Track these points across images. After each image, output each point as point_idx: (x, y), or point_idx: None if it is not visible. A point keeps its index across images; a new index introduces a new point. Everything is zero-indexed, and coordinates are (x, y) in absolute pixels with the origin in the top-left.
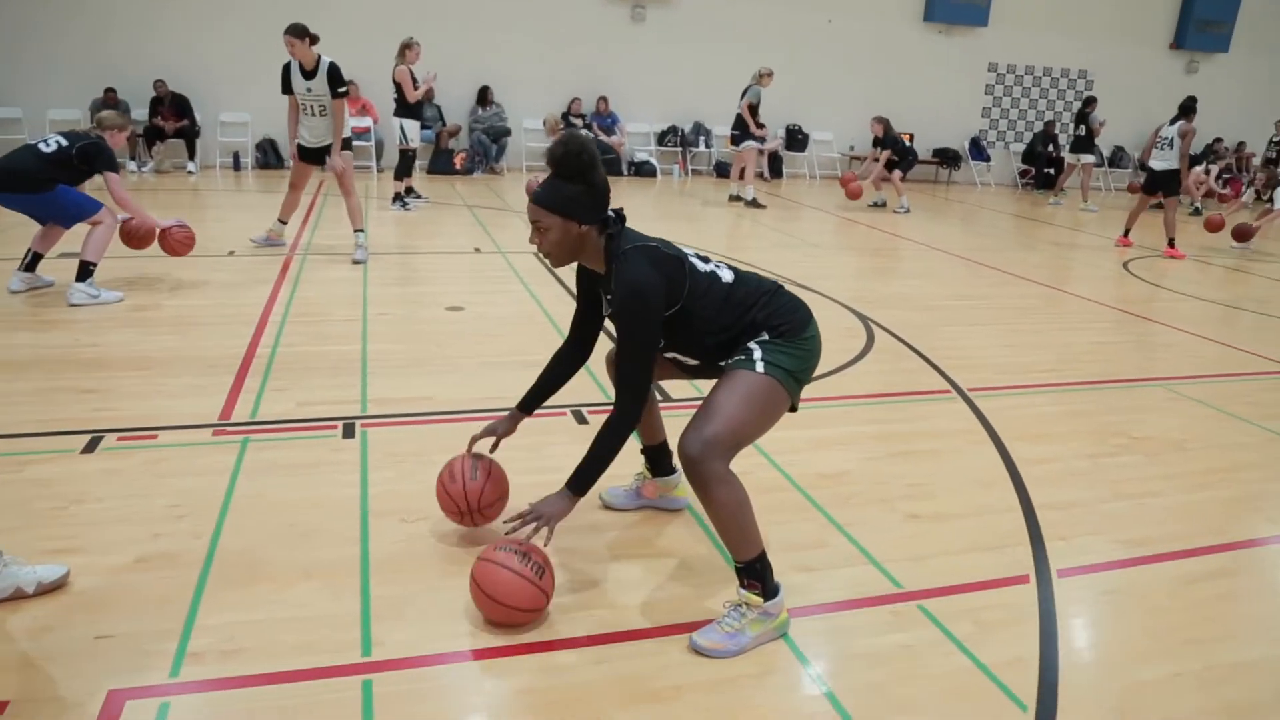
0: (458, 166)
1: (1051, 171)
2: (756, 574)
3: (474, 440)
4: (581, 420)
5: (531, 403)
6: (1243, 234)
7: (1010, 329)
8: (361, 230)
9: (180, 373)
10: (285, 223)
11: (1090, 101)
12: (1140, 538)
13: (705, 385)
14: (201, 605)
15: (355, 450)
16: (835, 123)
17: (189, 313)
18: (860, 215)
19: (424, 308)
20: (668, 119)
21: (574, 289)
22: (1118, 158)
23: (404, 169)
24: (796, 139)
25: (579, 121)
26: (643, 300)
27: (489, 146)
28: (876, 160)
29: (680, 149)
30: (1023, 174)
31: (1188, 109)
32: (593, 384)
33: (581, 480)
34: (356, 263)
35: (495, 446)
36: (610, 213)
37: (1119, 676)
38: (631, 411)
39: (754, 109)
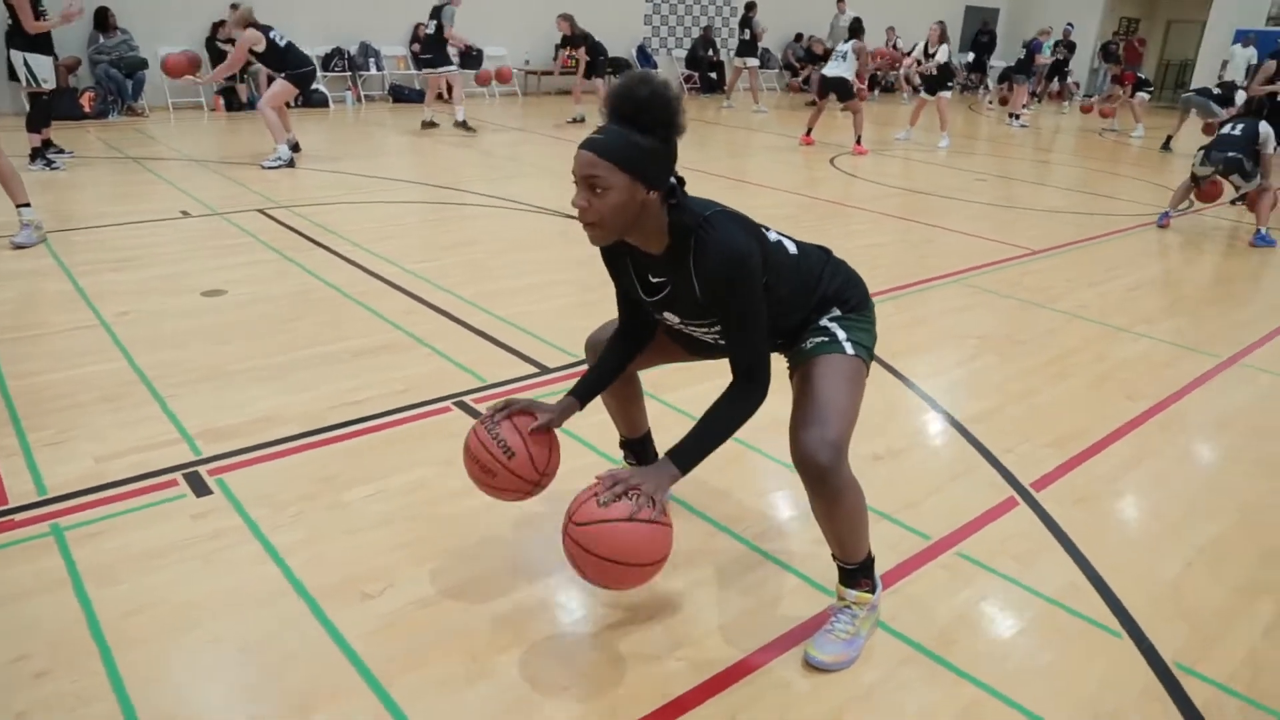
0: (87, 109)
1: (714, 76)
2: (869, 571)
3: (504, 407)
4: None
5: (590, 391)
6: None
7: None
8: (27, 204)
9: None
10: None
11: (751, 6)
12: (1059, 437)
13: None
14: None
15: (227, 511)
16: (506, 39)
17: None
18: (560, 132)
19: (172, 296)
20: (330, 40)
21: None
22: (766, 59)
23: (40, 117)
24: (471, 56)
25: (228, 47)
26: (749, 267)
27: (122, 82)
28: (571, 62)
29: (349, 73)
30: (687, 79)
31: (855, 30)
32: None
33: (689, 456)
34: (19, 246)
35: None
36: (673, 178)
37: (1154, 581)
38: (762, 391)
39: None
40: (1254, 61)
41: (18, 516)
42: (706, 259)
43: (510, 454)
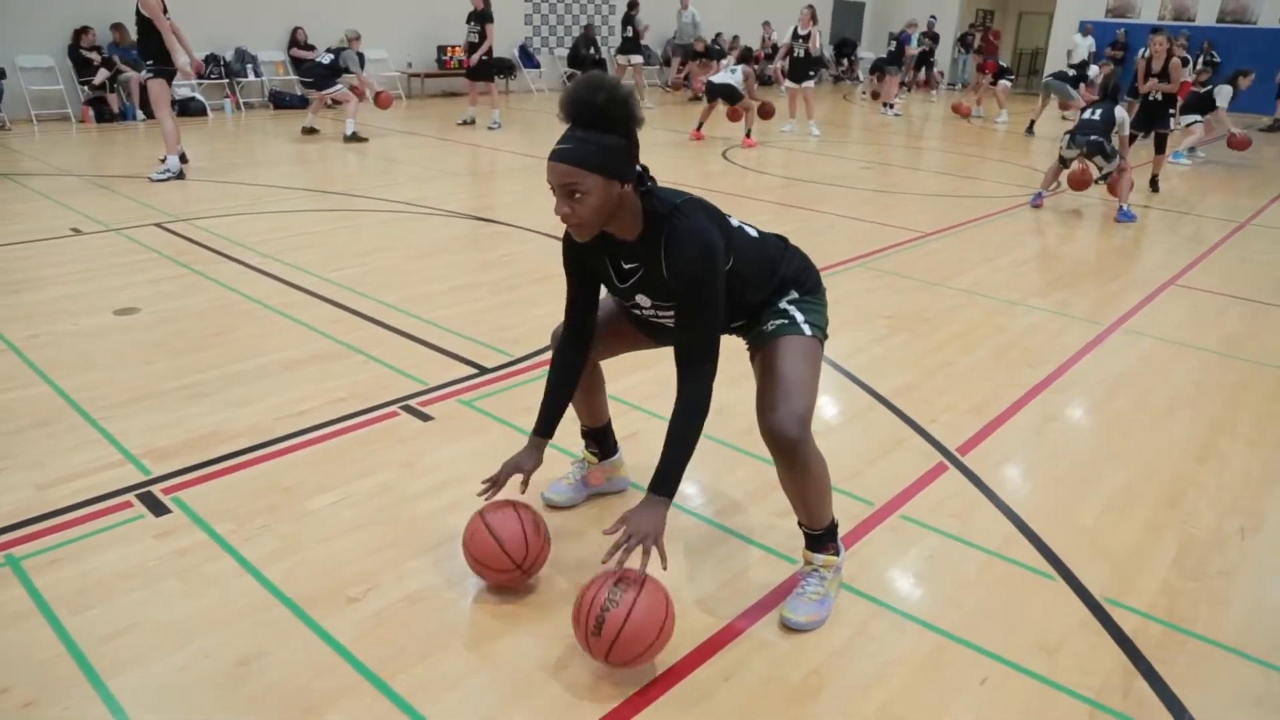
0: None
1: None
2: (834, 536)
3: (498, 484)
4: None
5: (549, 425)
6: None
7: None
8: None
9: None
10: None
11: (634, 4)
12: (975, 404)
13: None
14: None
15: (190, 529)
16: (388, 40)
17: None
18: (455, 134)
19: (82, 316)
20: (205, 46)
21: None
22: (647, 56)
23: None
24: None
25: (95, 55)
26: (715, 259)
27: None
28: (476, 46)
29: (226, 80)
30: (569, 78)
31: (746, 58)
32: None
33: (670, 481)
34: None
35: (525, 486)
36: (639, 166)
37: (1075, 527)
38: (709, 389)
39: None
40: (1093, 50)
41: None
42: (677, 245)
43: (489, 568)
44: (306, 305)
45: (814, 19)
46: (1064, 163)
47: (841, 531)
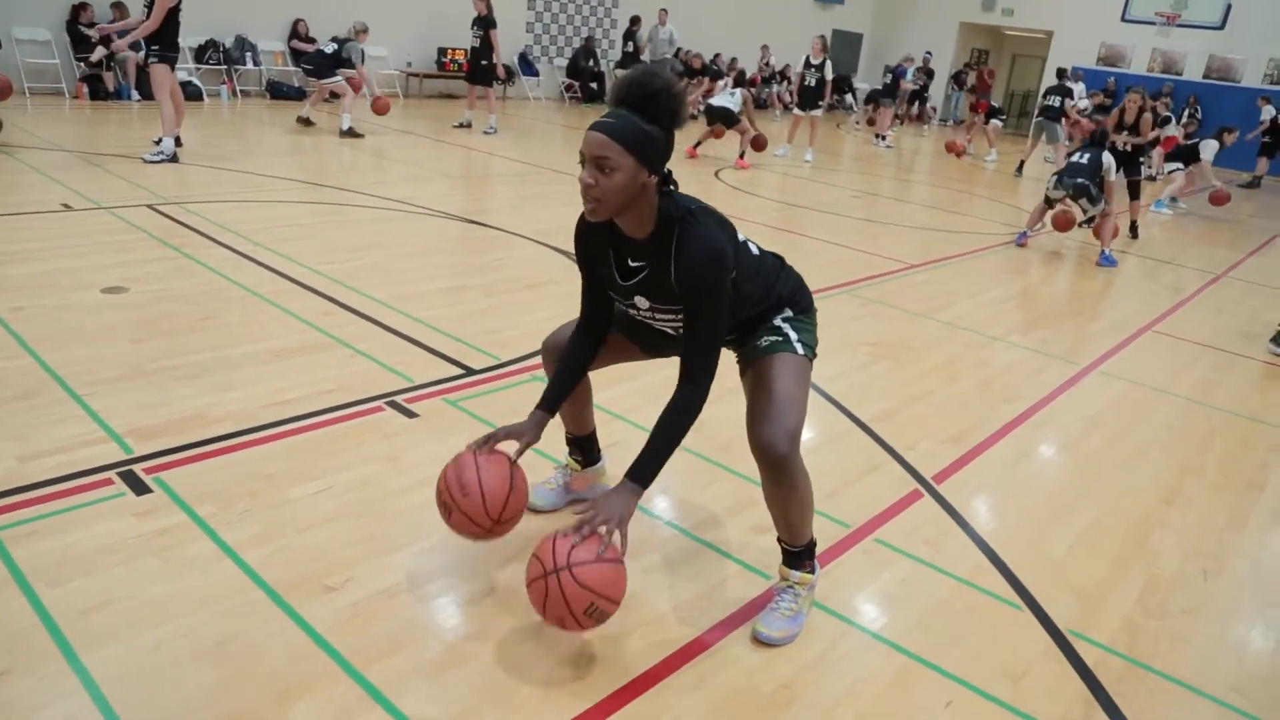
0: None
1: (595, 86)
2: (811, 554)
3: (489, 444)
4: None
5: (553, 402)
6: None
7: None
8: None
9: None
10: None
11: (636, 20)
12: (954, 435)
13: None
14: None
15: (171, 509)
16: (389, 39)
17: None
18: (450, 136)
19: (70, 293)
20: (204, 31)
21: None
22: None
23: None
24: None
25: (93, 32)
26: (723, 267)
27: None
28: (486, 51)
29: (224, 67)
30: (568, 88)
31: (741, 82)
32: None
33: (647, 472)
34: None
35: (519, 455)
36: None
37: (1044, 560)
38: (704, 394)
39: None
40: (1084, 96)
41: None
42: (688, 249)
43: (465, 494)
44: (296, 295)
45: (825, 48)
46: (1049, 203)
47: (818, 550)
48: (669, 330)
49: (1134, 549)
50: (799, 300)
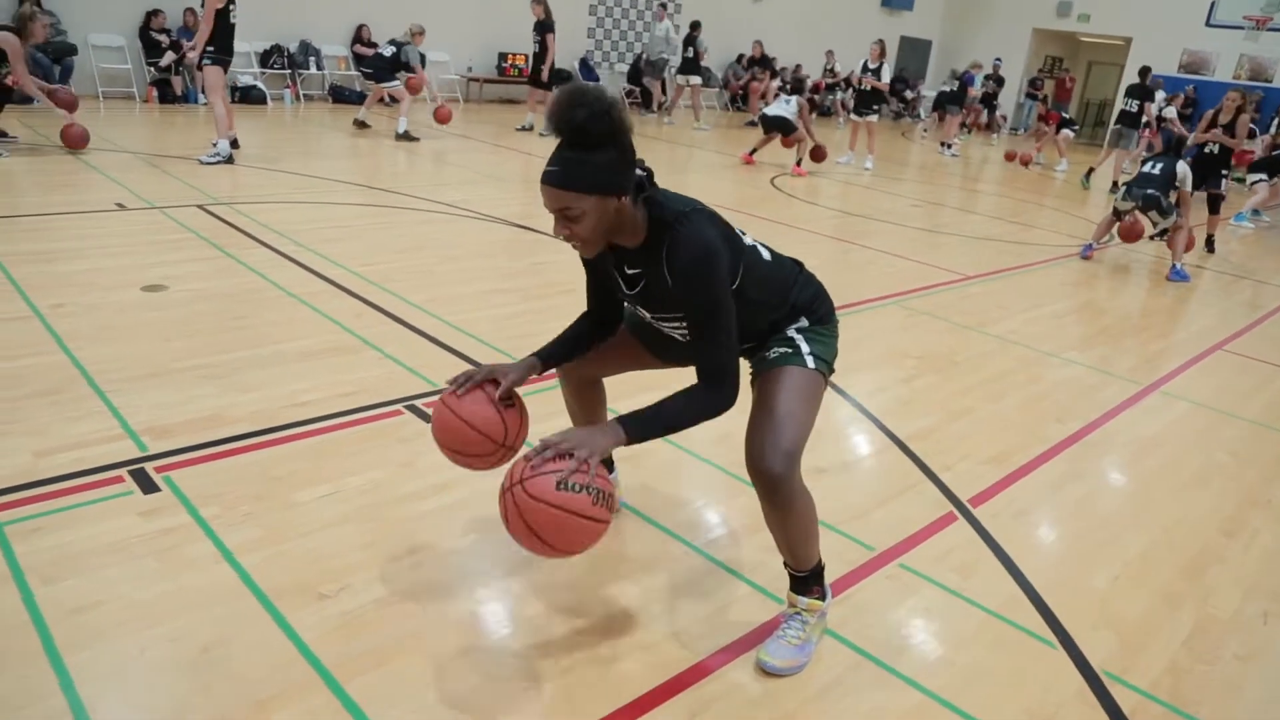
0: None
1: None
2: (819, 579)
3: (469, 382)
4: None
5: (552, 358)
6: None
7: None
8: None
9: None
10: None
11: (696, 25)
12: (995, 455)
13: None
14: None
15: (176, 509)
16: (450, 44)
17: None
18: (508, 140)
19: (110, 291)
20: (270, 37)
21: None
22: (707, 78)
23: None
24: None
25: (164, 38)
26: (717, 264)
27: (49, 67)
28: (544, 55)
29: (289, 71)
30: (629, 93)
31: (799, 89)
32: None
33: (642, 426)
34: None
35: (505, 396)
36: (639, 170)
37: (1084, 593)
38: (725, 398)
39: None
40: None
41: None
42: (677, 252)
43: (459, 444)
44: (331, 297)
45: (883, 53)
46: (1118, 215)
47: (837, 574)
48: (678, 336)
49: (1186, 585)
50: (816, 309)
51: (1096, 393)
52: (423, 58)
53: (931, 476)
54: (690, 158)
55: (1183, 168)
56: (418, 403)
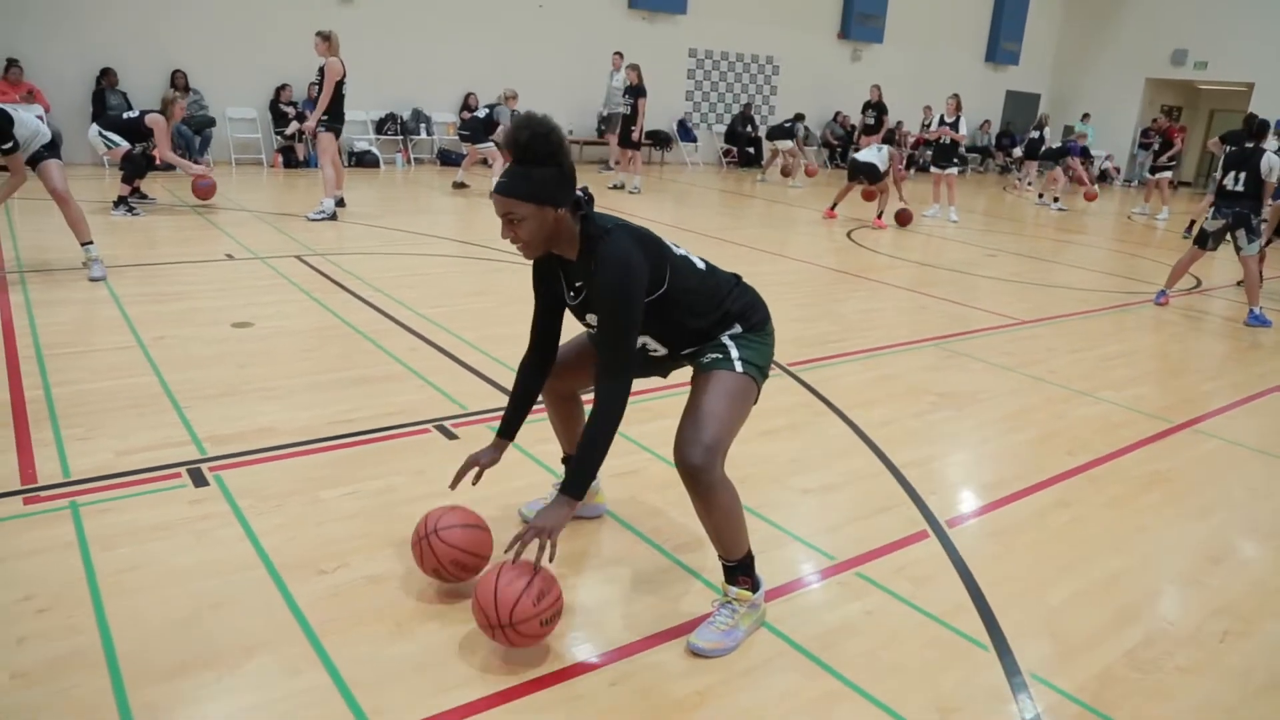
0: (157, 163)
1: (752, 150)
2: (748, 570)
3: (458, 477)
4: (451, 436)
5: (511, 427)
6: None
7: (793, 304)
8: (91, 242)
9: None
10: None
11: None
12: (990, 482)
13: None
14: (136, 714)
15: (219, 500)
16: (547, 108)
17: None
18: (603, 198)
19: (205, 326)
20: (385, 106)
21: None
22: (806, 138)
23: (133, 171)
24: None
25: (290, 110)
26: (631, 278)
27: (191, 138)
28: (634, 118)
29: (401, 137)
30: (726, 153)
31: (890, 140)
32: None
33: (579, 483)
34: (94, 279)
35: (478, 478)
36: (579, 192)
37: (1036, 605)
38: (621, 397)
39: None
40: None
41: (44, 493)
42: (601, 263)
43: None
44: (393, 334)
45: (959, 107)
46: (1203, 242)
47: (790, 577)
48: (642, 344)
49: (1150, 602)
50: (749, 317)
51: (1120, 429)
52: (512, 117)
53: (915, 499)
54: (778, 214)
55: (1272, 159)
56: (446, 423)
